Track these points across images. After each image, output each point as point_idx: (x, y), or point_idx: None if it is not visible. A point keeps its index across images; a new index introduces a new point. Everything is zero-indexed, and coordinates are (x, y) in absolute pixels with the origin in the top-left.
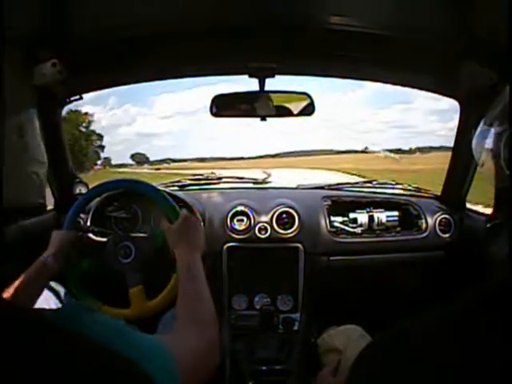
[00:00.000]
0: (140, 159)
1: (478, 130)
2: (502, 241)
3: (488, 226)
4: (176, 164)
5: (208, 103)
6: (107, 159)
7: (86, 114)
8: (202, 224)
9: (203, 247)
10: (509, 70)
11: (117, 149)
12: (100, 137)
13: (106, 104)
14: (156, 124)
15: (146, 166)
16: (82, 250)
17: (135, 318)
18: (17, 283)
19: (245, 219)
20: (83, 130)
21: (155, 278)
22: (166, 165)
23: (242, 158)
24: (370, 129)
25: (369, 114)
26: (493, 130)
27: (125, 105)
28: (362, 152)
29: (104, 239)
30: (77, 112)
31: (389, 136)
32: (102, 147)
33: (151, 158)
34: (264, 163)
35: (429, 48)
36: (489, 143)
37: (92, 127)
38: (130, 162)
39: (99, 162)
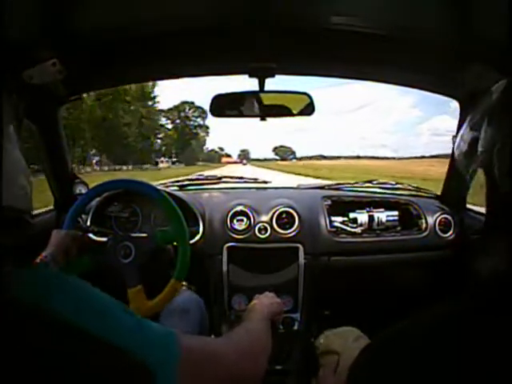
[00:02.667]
0: (284, 153)
1: (461, 132)
2: (488, 256)
3: (475, 237)
4: (326, 161)
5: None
6: (245, 152)
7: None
8: (282, 311)
9: (269, 317)
10: (509, 70)
11: (264, 142)
12: (203, 113)
13: None
14: (310, 119)
15: (293, 161)
16: (82, 248)
17: None
18: None
19: (245, 219)
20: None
21: (154, 278)
22: (314, 161)
23: (393, 159)
24: None
25: None
26: (477, 135)
27: None
28: None
29: (104, 239)
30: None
31: None
32: (207, 129)
33: (300, 154)
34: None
35: (429, 48)
36: (475, 148)
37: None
38: (273, 155)
39: (236, 155)
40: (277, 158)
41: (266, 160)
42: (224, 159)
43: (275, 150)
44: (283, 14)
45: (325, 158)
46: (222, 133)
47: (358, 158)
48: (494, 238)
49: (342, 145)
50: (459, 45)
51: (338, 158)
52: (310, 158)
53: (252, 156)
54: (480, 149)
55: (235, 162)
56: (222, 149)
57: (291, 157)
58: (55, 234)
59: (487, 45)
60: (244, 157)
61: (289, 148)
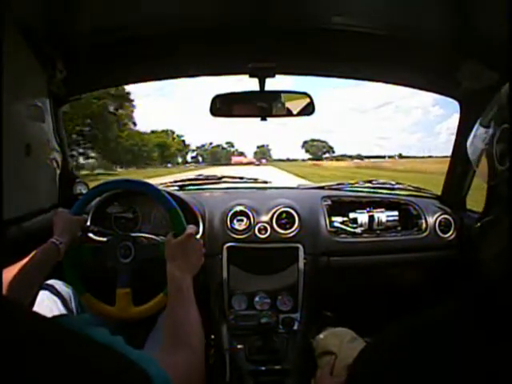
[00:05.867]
0: (318, 149)
1: (474, 131)
2: (492, 238)
3: (478, 225)
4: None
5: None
6: (263, 148)
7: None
8: (203, 248)
9: (197, 270)
10: (509, 70)
11: (292, 136)
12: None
13: None
14: (329, 119)
15: (324, 161)
16: (85, 236)
17: (116, 317)
18: (25, 263)
19: (245, 219)
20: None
21: (146, 286)
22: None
23: (430, 157)
24: None
25: None
26: (489, 131)
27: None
28: None
29: (104, 239)
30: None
31: None
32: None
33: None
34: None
35: (429, 48)
36: (484, 143)
37: None
38: (302, 154)
39: (251, 153)
40: (305, 157)
41: (289, 160)
42: (234, 158)
43: (305, 145)
44: (283, 14)
45: (350, 157)
46: (233, 124)
47: (401, 157)
48: (496, 218)
49: (362, 144)
50: (459, 45)
51: (382, 157)
52: (351, 157)
53: (274, 155)
54: (485, 144)
55: (249, 163)
56: (231, 144)
57: (327, 155)
58: (61, 215)
59: (486, 44)
60: (262, 155)
61: (324, 142)
